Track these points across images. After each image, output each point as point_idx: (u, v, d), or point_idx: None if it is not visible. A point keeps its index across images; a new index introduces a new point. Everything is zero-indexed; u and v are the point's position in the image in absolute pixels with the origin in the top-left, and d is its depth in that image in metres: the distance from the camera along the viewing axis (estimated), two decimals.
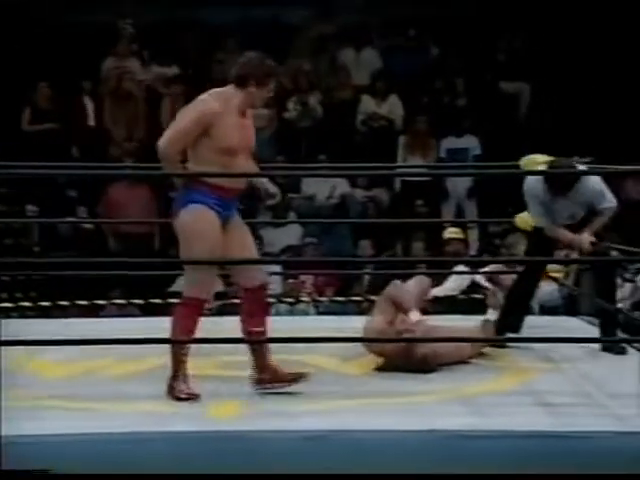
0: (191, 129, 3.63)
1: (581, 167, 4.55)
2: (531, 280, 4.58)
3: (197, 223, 3.65)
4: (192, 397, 3.61)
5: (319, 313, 6.94)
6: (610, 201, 4.45)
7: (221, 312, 6.80)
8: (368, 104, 8.93)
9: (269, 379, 3.71)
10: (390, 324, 4.13)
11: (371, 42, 9.44)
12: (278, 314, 6.77)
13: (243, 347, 3.89)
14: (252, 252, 3.80)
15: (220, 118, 3.63)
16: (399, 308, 4.15)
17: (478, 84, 9.07)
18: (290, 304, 6.89)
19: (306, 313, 6.96)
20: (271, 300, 6.95)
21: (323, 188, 8.64)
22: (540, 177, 4.41)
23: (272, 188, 3.91)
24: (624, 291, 6.52)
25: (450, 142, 8.59)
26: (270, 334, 3.78)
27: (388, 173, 7.49)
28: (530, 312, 4.83)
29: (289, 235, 8.18)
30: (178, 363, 3.64)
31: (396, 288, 4.24)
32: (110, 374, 4.03)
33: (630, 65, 8.90)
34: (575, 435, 3.16)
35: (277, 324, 4.52)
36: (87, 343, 4.04)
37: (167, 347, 3.69)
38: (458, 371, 3.89)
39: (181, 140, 3.64)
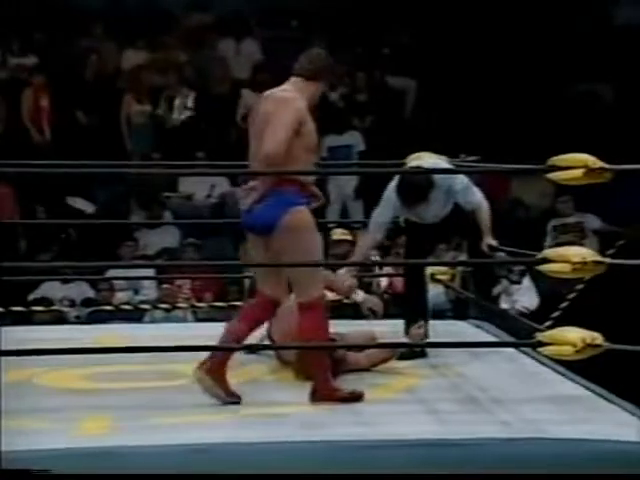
0: (291, 129, 3.64)
1: (445, 165, 4.65)
2: (417, 283, 4.65)
3: (304, 223, 3.68)
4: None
5: (197, 320, 6.89)
6: (476, 193, 4.55)
7: (90, 320, 6.68)
8: (249, 98, 8.92)
9: (219, 385, 3.68)
10: None
11: (251, 33, 9.44)
12: (153, 321, 6.70)
13: (114, 356, 3.84)
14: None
15: (307, 115, 3.70)
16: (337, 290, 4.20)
17: (364, 78, 9.17)
18: (166, 310, 6.82)
19: (184, 320, 6.90)
20: (146, 306, 6.89)
21: (202, 187, 8.58)
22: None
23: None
24: (521, 292, 6.70)
25: (332, 140, 8.65)
26: (147, 342, 3.75)
27: (271, 172, 7.47)
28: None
29: (165, 237, 8.09)
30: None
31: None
32: None
33: (517, 62, 9.16)
34: (462, 442, 3.22)
35: (153, 331, 4.47)
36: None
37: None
38: (342, 379, 3.91)
39: (288, 141, 3.63)
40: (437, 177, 4.44)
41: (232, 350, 3.77)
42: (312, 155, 3.76)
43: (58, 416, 3.51)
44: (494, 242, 4.48)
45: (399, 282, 4.69)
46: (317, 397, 3.70)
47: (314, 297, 3.71)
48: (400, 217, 4.61)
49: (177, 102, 8.91)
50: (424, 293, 4.69)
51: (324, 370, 3.73)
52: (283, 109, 3.69)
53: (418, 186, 4.38)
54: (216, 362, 3.70)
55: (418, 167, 4.56)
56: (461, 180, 4.51)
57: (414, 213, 4.51)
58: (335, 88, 8.97)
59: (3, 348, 3.50)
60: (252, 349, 4.19)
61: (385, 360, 4.23)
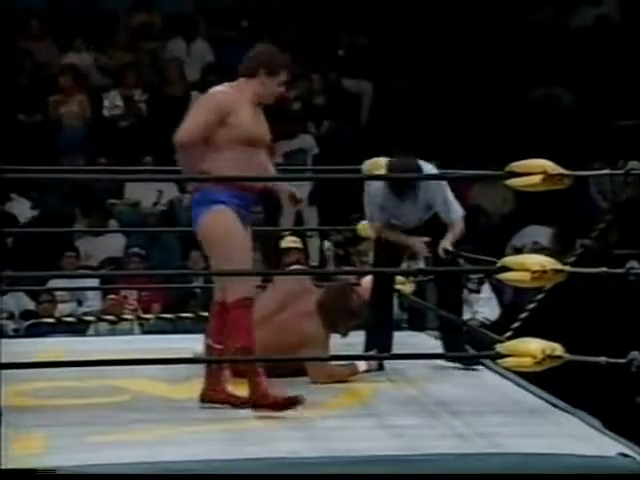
0: (207, 117, 3.73)
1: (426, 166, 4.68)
2: (385, 292, 4.65)
3: (224, 224, 3.71)
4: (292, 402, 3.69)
5: (144, 332, 6.84)
6: (456, 211, 4.59)
7: (30, 333, 6.61)
8: None
9: (222, 399, 3.78)
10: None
11: (200, 34, 9.42)
12: (98, 334, 6.64)
13: (54, 371, 3.82)
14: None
15: (236, 106, 3.75)
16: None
17: (320, 81, 9.19)
18: (111, 322, 6.77)
19: (130, 332, 6.85)
20: (89, 318, 6.83)
21: (149, 193, 8.53)
22: (382, 181, 4.51)
23: (298, 192, 3.96)
24: (481, 303, 6.74)
25: (285, 145, 8.66)
26: (91, 356, 3.73)
27: (221, 178, 7.45)
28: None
29: (110, 246, 8.03)
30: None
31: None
32: None
33: (476, 66, 9.24)
34: (418, 458, 3.23)
35: (97, 345, 4.44)
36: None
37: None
38: (293, 393, 3.91)
39: (198, 128, 3.72)
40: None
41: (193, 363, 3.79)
42: (245, 148, 3.75)
43: None
44: (450, 246, 4.51)
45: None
46: (252, 402, 3.75)
47: (242, 297, 3.73)
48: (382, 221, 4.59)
49: (123, 104, 8.86)
50: (391, 303, 4.70)
51: (257, 374, 3.76)
52: (201, 101, 3.86)
53: (409, 172, 4.40)
54: (211, 385, 3.78)
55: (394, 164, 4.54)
56: (444, 187, 4.54)
57: (401, 212, 4.52)
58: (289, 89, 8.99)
59: None
60: (195, 362, 4.16)
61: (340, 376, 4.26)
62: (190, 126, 3.75)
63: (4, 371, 3.71)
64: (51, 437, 3.43)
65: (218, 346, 3.84)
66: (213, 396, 3.83)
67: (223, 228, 3.73)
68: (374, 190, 4.55)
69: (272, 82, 3.83)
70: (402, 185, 4.45)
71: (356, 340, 4.59)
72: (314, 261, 7.98)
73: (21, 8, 9.08)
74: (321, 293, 4.45)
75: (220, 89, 3.85)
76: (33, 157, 6.95)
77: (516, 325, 4.61)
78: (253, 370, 3.77)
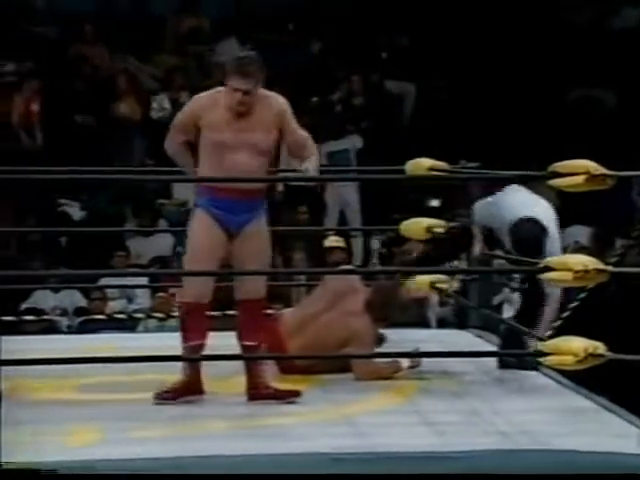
0: (182, 121, 3.89)
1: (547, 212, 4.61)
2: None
3: (192, 228, 3.85)
4: None
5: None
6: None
7: (83, 329, 6.67)
8: None
9: (265, 394, 3.81)
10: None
11: (247, 37, 9.43)
12: (147, 330, 6.68)
13: (104, 367, 3.84)
14: (254, 264, 3.84)
15: (207, 110, 3.81)
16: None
17: (363, 83, 9.17)
18: (160, 319, 6.80)
19: (178, 329, 6.87)
20: (139, 315, 6.87)
21: None
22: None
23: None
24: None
25: (330, 146, 8.65)
26: (140, 352, 3.78)
27: (267, 179, 7.45)
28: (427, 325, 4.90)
29: (159, 245, 8.07)
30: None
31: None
32: None
33: (517, 67, 9.16)
34: (460, 455, 3.20)
35: (146, 341, 4.47)
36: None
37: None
38: (338, 390, 3.90)
39: (176, 133, 3.90)
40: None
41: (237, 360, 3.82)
42: (215, 151, 3.78)
43: (46, 428, 3.48)
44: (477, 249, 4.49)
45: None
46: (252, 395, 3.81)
47: (184, 301, 3.87)
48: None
49: (171, 107, 8.90)
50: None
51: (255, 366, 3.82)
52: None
53: (534, 238, 4.35)
54: (253, 381, 3.81)
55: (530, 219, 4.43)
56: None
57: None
58: (333, 92, 8.99)
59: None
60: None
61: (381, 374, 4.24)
62: (169, 134, 3.93)
63: (63, 366, 3.77)
64: (103, 431, 3.45)
65: (250, 343, 3.87)
66: (257, 393, 3.84)
67: (191, 232, 3.86)
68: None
69: (229, 88, 3.82)
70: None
71: (398, 337, 4.57)
72: (357, 260, 7.97)
73: (74, 13, 9.17)
74: (369, 291, 4.44)
75: (200, 94, 3.92)
76: (87, 159, 7.01)
77: (558, 324, 4.56)
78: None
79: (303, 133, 3.92)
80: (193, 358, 3.87)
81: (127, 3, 9.48)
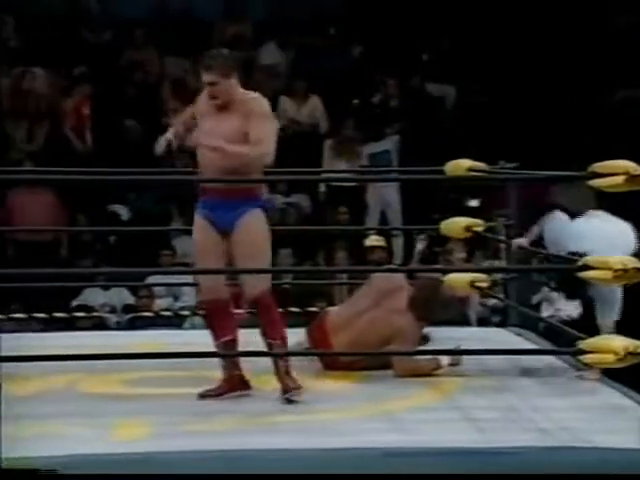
0: (183, 119, 3.99)
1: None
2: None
3: (193, 231, 3.93)
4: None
5: (240, 326, 6.90)
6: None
7: (131, 326, 6.74)
8: (286, 106, 8.95)
9: (293, 387, 3.81)
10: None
11: (289, 41, 9.46)
12: (193, 327, 6.74)
13: (151, 362, 3.87)
14: (246, 263, 3.82)
15: (200, 109, 3.89)
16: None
17: (404, 86, 9.17)
18: None
19: None
20: (185, 313, 6.92)
21: None
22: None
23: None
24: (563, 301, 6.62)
25: (371, 147, 8.67)
26: (186, 349, 3.82)
27: (309, 179, 7.51)
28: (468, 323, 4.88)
29: None
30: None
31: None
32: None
33: (557, 68, 9.11)
34: (500, 451, 3.21)
35: (192, 338, 4.52)
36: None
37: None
38: (379, 386, 3.92)
39: (180, 129, 3.95)
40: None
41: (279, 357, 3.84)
42: (204, 150, 3.80)
43: (96, 421, 3.54)
44: (525, 244, 4.47)
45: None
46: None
47: (204, 299, 3.95)
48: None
49: None
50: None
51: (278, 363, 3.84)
52: None
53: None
54: (282, 376, 3.82)
55: None
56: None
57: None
58: (372, 95, 9.00)
59: (47, 353, 3.57)
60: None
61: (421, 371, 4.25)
62: None
63: (113, 361, 3.83)
64: (151, 425, 3.50)
65: (274, 341, 3.86)
66: (287, 387, 3.83)
67: (193, 235, 3.94)
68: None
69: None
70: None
71: (439, 335, 4.58)
72: (398, 260, 7.97)
73: (127, 18, 9.26)
74: (413, 289, 4.46)
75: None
76: (137, 162, 7.09)
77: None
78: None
79: (260, 135, 3.79)
80: (235, 354, 3.89)
81: (178, 8, 9.54)
